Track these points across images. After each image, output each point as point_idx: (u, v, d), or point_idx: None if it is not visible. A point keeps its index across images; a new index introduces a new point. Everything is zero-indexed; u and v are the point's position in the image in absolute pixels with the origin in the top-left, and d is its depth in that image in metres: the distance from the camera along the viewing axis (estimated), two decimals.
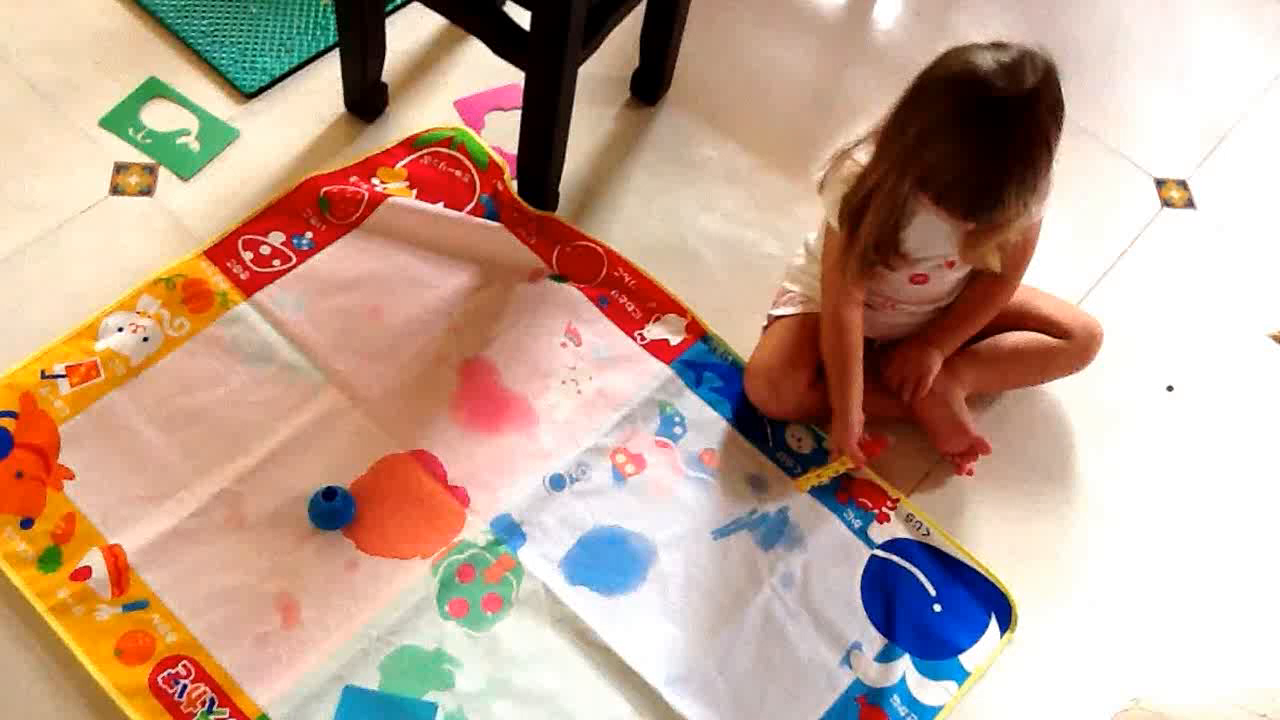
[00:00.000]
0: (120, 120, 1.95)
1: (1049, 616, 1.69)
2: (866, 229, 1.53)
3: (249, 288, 1.78)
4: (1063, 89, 1.39)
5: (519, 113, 1.83)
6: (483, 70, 2.09)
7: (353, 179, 1.90)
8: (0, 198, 1.84)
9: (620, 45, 2.08)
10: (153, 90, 1.98)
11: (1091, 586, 1.73)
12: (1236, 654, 1.69)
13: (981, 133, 1.37)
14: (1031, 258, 1.69)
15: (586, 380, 1.78)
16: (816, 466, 1.74)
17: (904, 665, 1.62)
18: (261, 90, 2.01)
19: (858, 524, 1.72)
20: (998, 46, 1.38)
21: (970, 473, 1.77)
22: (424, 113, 2.04)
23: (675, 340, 1.83)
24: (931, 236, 1.58)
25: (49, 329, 1.71)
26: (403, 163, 1.94)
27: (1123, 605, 1.72)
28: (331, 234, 1.85)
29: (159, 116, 1.96)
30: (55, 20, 2.04)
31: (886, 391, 1.77)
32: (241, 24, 2.07)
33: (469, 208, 1.90)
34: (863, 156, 1.55)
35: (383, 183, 1.91)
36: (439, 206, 1.89)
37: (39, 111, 1.94)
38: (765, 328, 1.82)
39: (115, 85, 1.98)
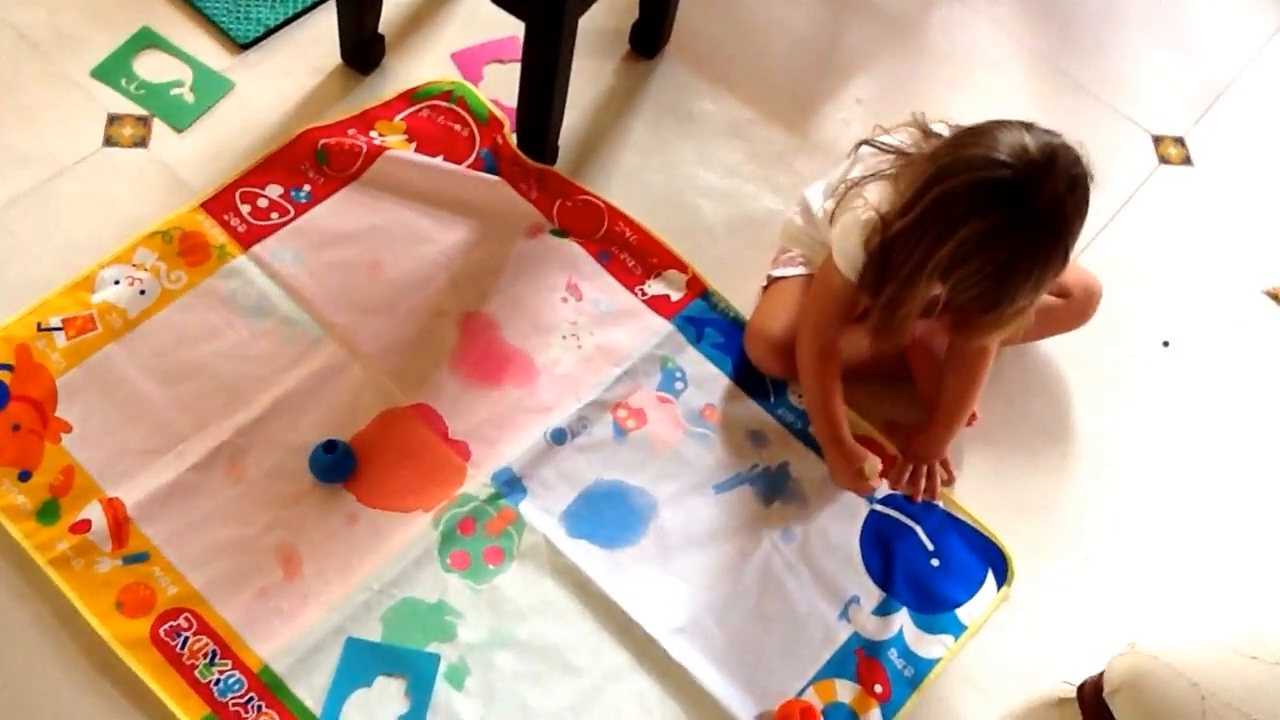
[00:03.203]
0: (113, 71, 1.92)
1: (1045, 570, 1.71)
2: (885, 305, 1.49)
3: (247, 240, 1.76)
4: (1083, 168, 1.34)
5: (517, 65, 1.82)
6: (481, 22, 2.07)
7: (351, 131, 1.88)
8: None
9: None
10: (145, 40, 1.96)
11: (1086, 540, 1.75)
12: (1228, 600, 1.71)
13: (1003, 226, 1.32)
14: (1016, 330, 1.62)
15: (587, 335, 1.77)
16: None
17: (901, 619, 1.63)
18: (256, 41, 1.99)
19: None
20: (1026, 127, 1.34)
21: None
22: (421, 65, 2.02)
23: (676, 296, 1.83)
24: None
25: (44, 282, 1.70)
26: (401, 116, 1.93)
27: (1117, 558, 1.74)
28: (330, 187, 1.84)
29: (152, 67, 1.94)
30: None
31: (878, 353, 1.77)
32: None
33: (468, 161, 1.89)
34: (873, 192, 1.50)
35: (381, 136, 1.89)
36: (438, 160, 1.87)
37: (29, 62, 1.91)
38: (765, 288, 1.81)
39: (107, 35, 1.95)
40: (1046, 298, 1.76)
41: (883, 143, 1.56)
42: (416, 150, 1.88)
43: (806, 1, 2.26)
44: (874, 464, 1.66)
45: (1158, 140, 2.20)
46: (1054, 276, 1.38)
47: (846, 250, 1.52)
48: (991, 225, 1.32)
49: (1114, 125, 2.20)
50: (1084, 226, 1.36)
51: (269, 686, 1.46)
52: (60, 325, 1.66)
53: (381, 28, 1.97)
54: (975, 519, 1.72)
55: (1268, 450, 1.87)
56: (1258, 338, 1.99)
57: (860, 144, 1.61)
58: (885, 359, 1.77)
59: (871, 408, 1.79)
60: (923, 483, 1.73)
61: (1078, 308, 1.79)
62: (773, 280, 1.80)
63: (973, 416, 1.77)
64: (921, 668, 1.60)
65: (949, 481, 1.76)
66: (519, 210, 1.86)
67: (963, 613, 1.65)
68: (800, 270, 1.77)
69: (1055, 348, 1.89)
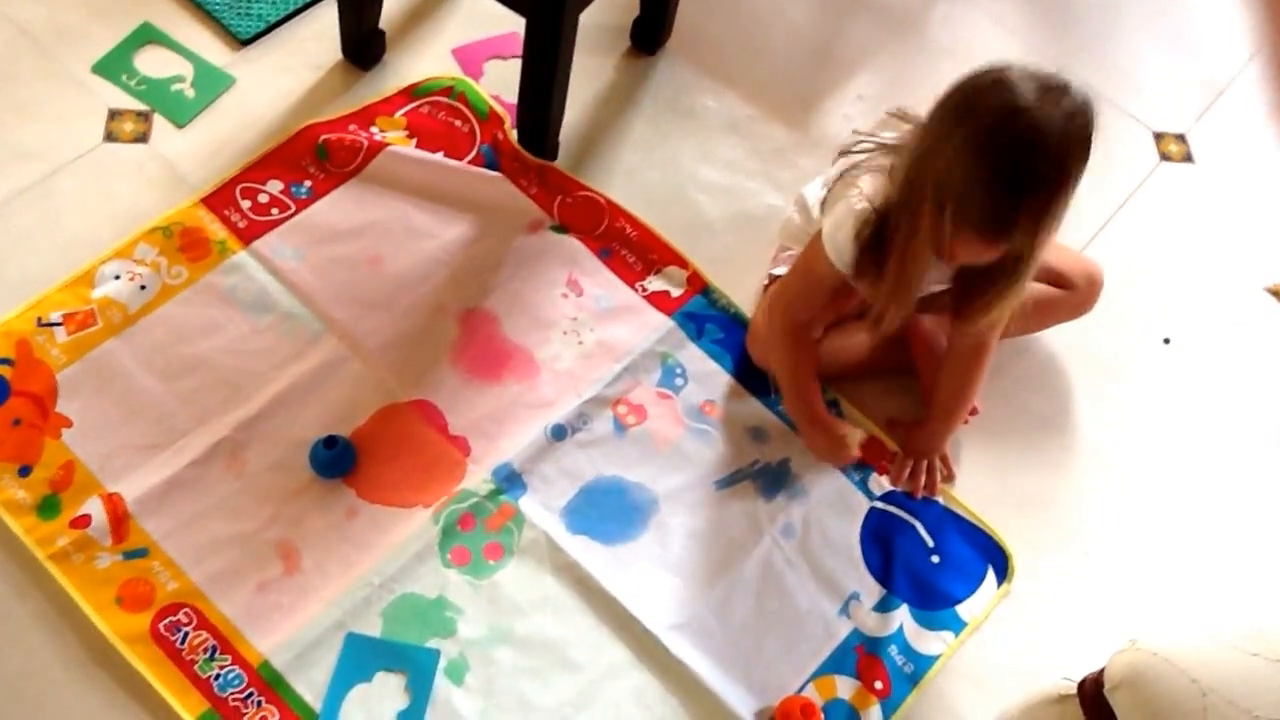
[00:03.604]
0: (113, 66, 1.92)
1: (1045, 567, 1.70)
2: (887, 282, 1.48)
3: (247, 236, 1.76)
4: (1094, 123, 1.32)
5: (518, 61, 1.82)
6: (481, 18, 2.06)
7: (351, 127, 1.88)
8: None
9: None
10: (146, 36, 1.96)
11: (1087, 537, 1.75)
12: (1229, 596, 1.71)
13: (1006, 150, 1.30)
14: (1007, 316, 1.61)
15: (588, 331, 1.77)
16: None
17: (902, 615, 1.63)
18: (257, 37, 1.99)
19: (858, 476, 1.72)
20: (1036, 75, 1.32)
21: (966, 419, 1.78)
22: (422, 61, 2.02)
23: (676, 292, 1.83)
24: (935, 276, 1.55)
25: (44, 277, 1.70)
26: (402, 111, 1.93)
27: (1118, 555, 1.73)
28: (330, 182, 1.84)
29: (153, 63, 1.94)
30: None
31: (880, 349, 1.78)
32: None
33: (469, 157, 1.89)
34: (866, 184, 1.48)
35: (382, 131, 1.89)
36: (439, 156, 1.87)
37: (30, 57, 1.91)
38: (765, 287, 1.81)
39: (108, 31, 1.95)
40: (1048, 288, 1.76)
41: (868, 139, 1.55)
42: (417, 146, 1.88)
43: None
44: (856, 434, 1.67)
45: (1159, 137, 2.20)
46: (1054, 216, 1.35)
47: (837, 241, 1.51)
48: (989, 126, 1.30)
49: (1115, 122, 2.20)
50: (1085, 168, 1.34)
51: (269, 682, 1.46)
52: (60, 320, 1.66)
53: (382, 23, 1.97)
54: (975, 515, 1.72)
55: (1268, 447, 1.87)
56: (1258, 335, 1.99)
57: (841, 153, 1.57)
58: (887, 356, 1.77)
59: (873, 405, 1.79)
60: (923, 479, 1.73)
61: (1081, 297, 1.79)
62: (773, 279, 1.79)
63: (973, 410, 1.77)
64: (922, 664, 1.60)
65: (949, 478, 1.76)
66: (519, 206, 1.86)
67: (963, 609, 1.65)
68: None
69: (1056, 343, 1.89)
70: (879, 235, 1.46)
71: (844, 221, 1.49)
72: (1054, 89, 1.29)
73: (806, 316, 1.66)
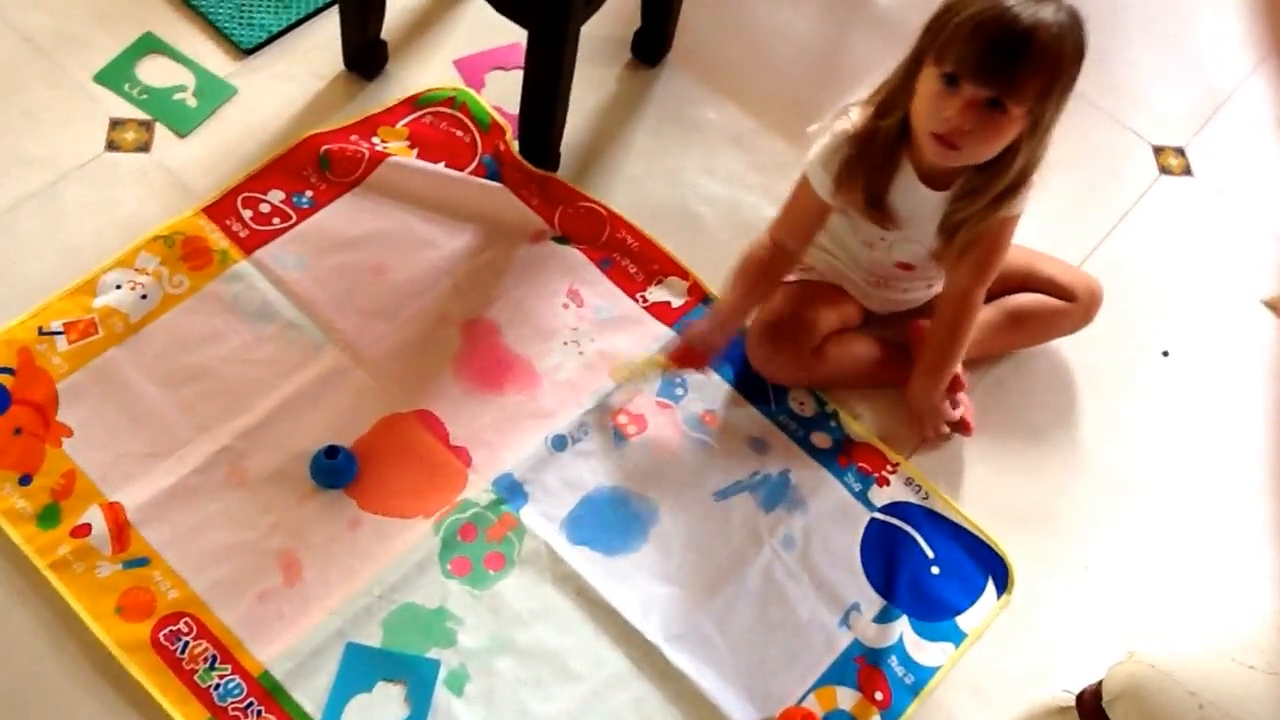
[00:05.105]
0: (116, 75, 1.93)
1: (1045, 578, 1.71)
2: (861, 170, 1.55)
3: (249, 245, 1.77)
4: (1081, 34, 1.38)
5: (519, 72, 1.82)
6: (483, 29, 2.07)
7: (353, 137, 1.89)
8: None
9: (621, 5, 2.06)
10: (149, 46, 1.96)
11: (1086, 549, 1.75)
12: (1227, 610, 1.71)
13: (1000, 28, 1.34)
14: (999, 263, 1.65)
15: (589, 341, 1.77)
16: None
17: (902, 626, 1.63)
18: (259, 47, 1.99)
19: (858, 487, 1.73)
20: None
21: (966, 431, 1.79)
22: (424, 71, 2.02)
23: (677, 303, 1.83)
24: (917, 208, 1.57)
25: (45, 285, 1.70)
26: (404, 122, 1.93)
27: (1117, 567, 1.73)
28: (332, 193, 1.84)
29: (155, 72, 1.94)
30: None
31: (881, 360, 1.80)
32: None
33: (470, 168, 1.89)
34: (851, 114, 1.55)
35: (383, 142, 1.90)
36: (440, 166, 1.88)
37: (33, 65, 1.92)
38: None
39: (111, 40, 1.96)
40: (1048, 300, 1.77)
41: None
42: (419, 156, 1.89)
43: (810, 10, 2.27)
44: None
45: (1158, 150, 2.20)
46: (1052, 77, 1.38)
47: (817, 164, 1.58)
48: (980, 12, 1.35)
49: (1115, 135, 2.21)
50: (1072, 80, 1.40)
51: (269, 691, 1.46)
52: (62, 329, 1.66)
53: (384, 34, 1.98)
54: (976, 526, 1.73)
55: (1266, 460, 1.87)
56: (1257, 348, 1.99)
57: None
58: (888, 368, 1.78)
59: (872, 415, 1.80)
60: (932, 431, 1.77)
61: (1081, 310, 1.81)
62: None
63: (967, 428, 1.78)
64: (922, 675, 1.60)
65: (960, 425, 1.78)
66: (521, 217, 1.87)
67: (963, 620, 1.65)
68: (799, 275, 1.78)
69: (1055, 356, 1.90)
70: (859, 154, 1.53)
71: (825, 145, 1.57)
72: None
73: (785, 238, 1.69)
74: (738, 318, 1.76)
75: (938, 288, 1.75)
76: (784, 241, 1.69)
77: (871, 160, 1.53)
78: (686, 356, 1.78)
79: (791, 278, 1.78)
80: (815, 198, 1.61)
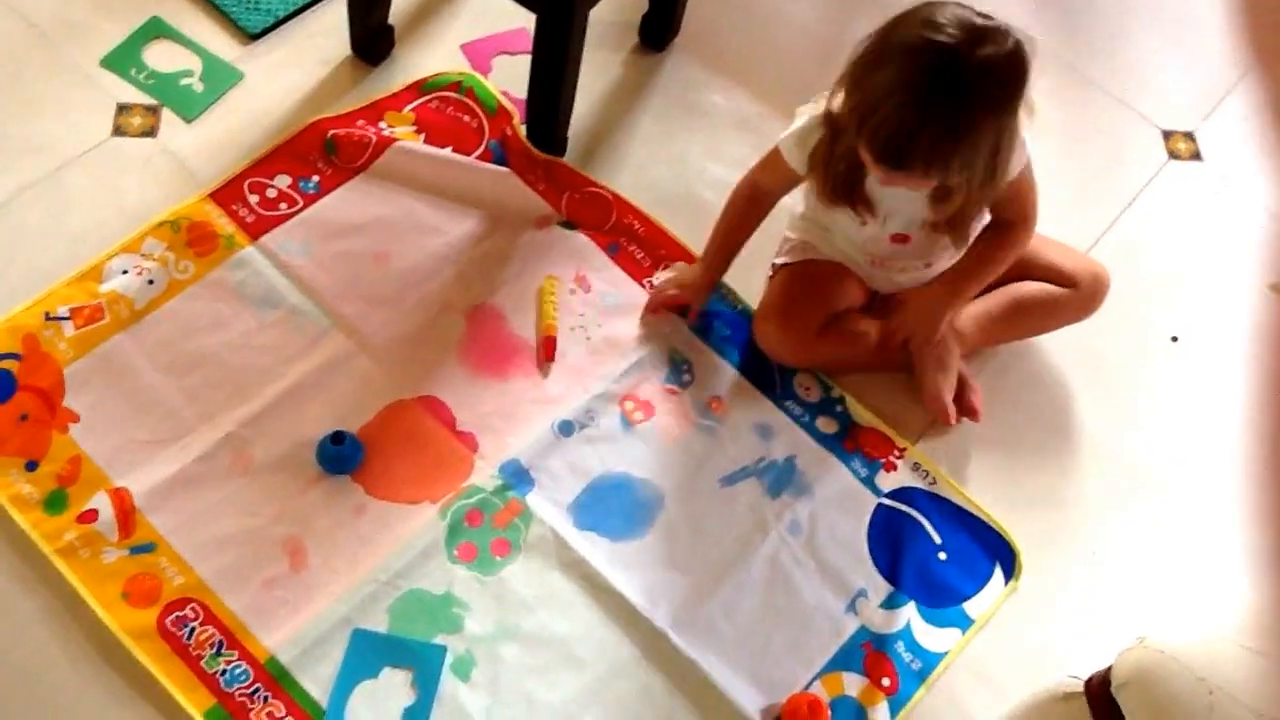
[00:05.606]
0: (122, 60, 1.92)
1: (1052, 564, 1.70)
2: (833, 166, 1.53)
3: (255, 231, 1.76)
4: (1029, 84, 1.36)
5: (526, 57, 1.82)
6: (490, 13, 2.06)
7: (360, 122, 1.88)
8: (0, 138, 1.82)
9: None
10: (155, 30, 1.96)
11: (1094, 535, 1.74)
12: (1235, 595, 1.70)
13: (915, 81, 1.33)
14: (1035, 204, 1.65)
15: (595, 327, 1.77)
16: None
17: (909, 612, 1.63)
18: (266, 31, 1.99)
19: (864, 472, 1.72)
20: (980, 15, 1.35)
21: (973, 417, 1.79)
22: (430, 56, 2.02)
23: None
24: (892, 199, 1.57)
25: (51, 271, 1.70)
26: (410, 107, 1.93)
27: (1125, 553, 1.73)
28: (338, 178, 1.83)
29: (161, 57, 1.94)
30: None
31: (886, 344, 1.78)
32: None
33: (477, 153, 1.89)
34: (832, 95, 1.53)
35: (390, 126, 1.89)
36: (447, 151, 1.87)
37: (39, 51, 1.92)
38: (770, 277, 1.81)
39: (116, 25, 1.96)
40: (1053, 289, 1.76)
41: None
42: (425, 141, 1.88)
43: None
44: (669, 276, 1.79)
45: (1167, 135, 2.19)
46: (956, 145, 1.35)
47: (791, 142, 1.59)
48: (905, 57, 1.34)
49: (1124, 120, 2.19)
50: (1004, 117, 1.37)
51: (275, 677, 1.46)
52: (68, 315, 1.66)
53: (391, 19, 1.97)
54: (983, 512, 1.72)
55: (1274, 444, 1.86)
56: (1265, 333, 1.98)
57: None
58: (892, 352, 1.77)
59: (876, 398, 1.79)
60: (934, 366, 1.75)
61: (1085, 297, 1.78)
62: (778, 269, 1.79)
63: (975, 414, 1.77)
64: (929, 661, 1.60)
65: (968, 410, 1.77)
66: (527, 202, 1.86)
67: (970, 606, 1.65)
68: (802, 256, 1.77)
69: (1064, 343, 1.88)
70: (832, 139, 1.52)
71: (800, 126, 1.57)
72: (980, 34, 1.32)
73: (749, 187, 1.72)
74: (715, 269, 1.77)
75: (938, 267, 1.73)
76: (749, 190, 1.71)
77: (842, 150, 1.51)
78: (662, 305, 1.79)
79: (795, 258, 1.77)
80: (790, 170, 1.62)
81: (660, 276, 1.83)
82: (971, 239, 1.64)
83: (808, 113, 1.59)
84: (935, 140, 1.34)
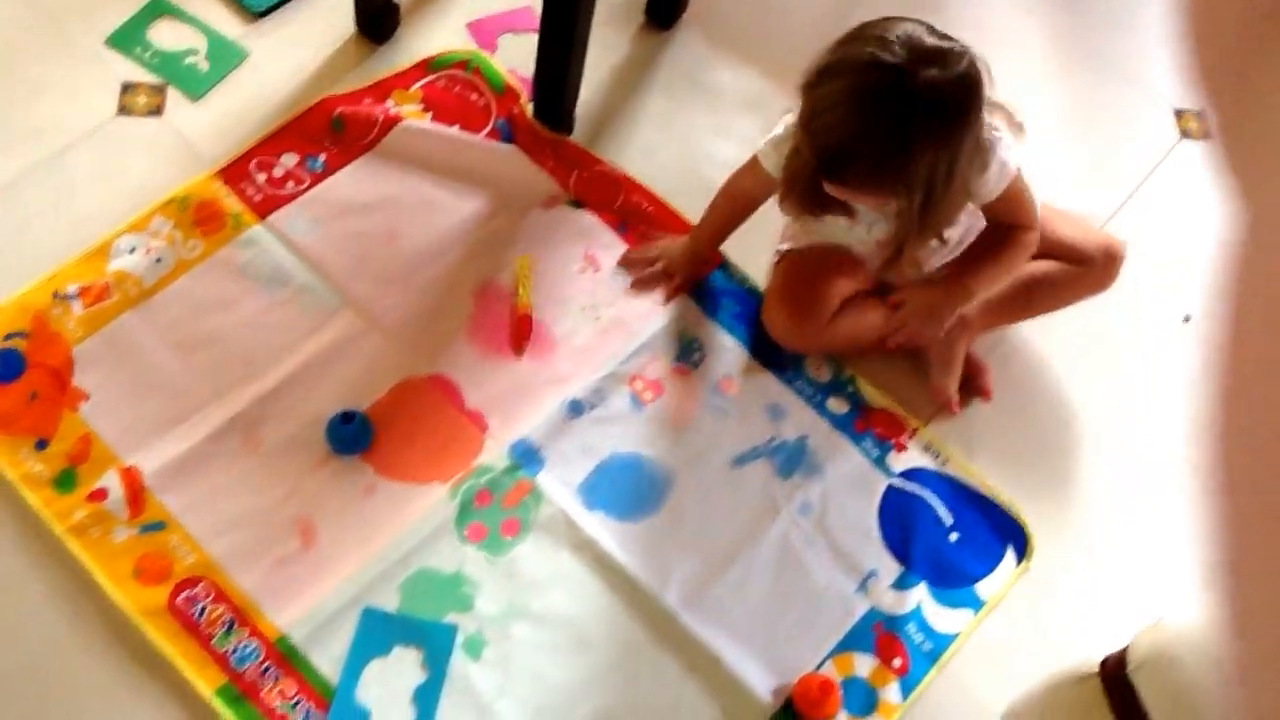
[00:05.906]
0: (127, 39, 1.91)
1: (1065, 545, 1.70)
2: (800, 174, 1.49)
3: (263, 209, 1.75)
4: (980, 107, 1.35)
5: (532, 35, 1.80)
6: None
7: (367, 101, 1.87)
8: (4, 118, 1.81)
9: None
10: (159, 9, 1.94)
11: (1108, 515, 1.73)
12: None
13: (856, 97, 1.33)
14: (1031, 210, 1.61)
15: (605, 307, 1.76)
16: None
17: (920, 593, 1.62)
18: (270, 10, 1.97)
19: (875, 453, 1.71)
20: (939, 34, 1.34)
21: (986, 396, 1.78)
22: (436, 35, 2.00)
23: None
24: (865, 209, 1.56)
25: (58, 251, 1.69)
26: (418, 85, 1.91)
27: (1140, 533, 1.72)
28: (346, 156, 1.82)
29: (166, 35, 1.93)
30: None
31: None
32: None
33: (485, 131, 1.87)
34: None
35: (397, 105, 1.88)
36: (454, 130, 1.86)
37: (43, 31, 1.90)
38: (775, 263, 1.79)
39: (121, 4, 1.94)
40: (1063, 266, 1.74)
41: None
42: (433, 119, 1.87)
43: None
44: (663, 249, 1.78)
45: (1179, 114, 2.18)
46: (892, 165, 1.34)
47: (768, 147, 1.58)
48: (850, 76, 1.33)
49: (1135, 99, 2.18)
50: (950, 142, 1.34)
51: (286, 656, 1.46)
52: (77, 293, 1.65)
53: None
54: (995, 492, 1.71)
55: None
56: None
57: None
58: (895, 348, 1.75)
59: (886, 381, 1.78)
60: (937, 341, 1.72)
61: (1099, 273, 1.75)
62: (782, 255, 1.78)
63: (986, 393, 1.76)
64: (940, 642, 1.59)
65: (979, 390, 1.76)
66: (535, 181, 1.85)
67: (982, 587, 1.64)
68: (807, 242, 1.75)
69: (1075, 322, 1.87)
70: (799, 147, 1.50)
71: (778, 133, 1.56)
72: (928, 56, 1.31)
73: (737, 182, 1.70)
74: (703, 246, 1.77)
75: (938, 259, 1.72)
76: (742, 185, 1.69)
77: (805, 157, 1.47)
78: (650, 281, 1.78)
79: (800, 244, 1.76)
80: (767, 174, 1.59)
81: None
82: (959, 244, 1.64)
83: (789, 119, 1.58)
84: (873, 156, 1.34)
